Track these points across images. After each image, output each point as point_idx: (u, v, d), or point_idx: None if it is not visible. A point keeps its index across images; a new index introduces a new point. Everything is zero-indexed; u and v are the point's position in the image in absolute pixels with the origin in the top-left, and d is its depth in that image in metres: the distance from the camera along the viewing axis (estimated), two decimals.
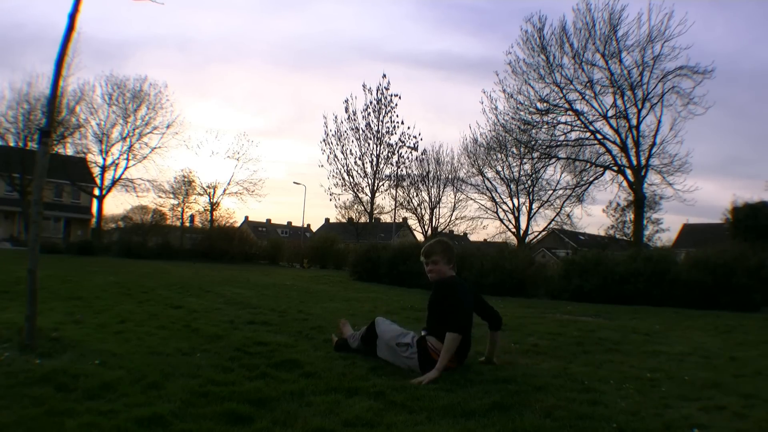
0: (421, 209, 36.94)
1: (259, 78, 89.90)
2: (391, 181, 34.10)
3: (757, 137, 67.50)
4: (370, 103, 33.35)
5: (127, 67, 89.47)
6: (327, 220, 58.95)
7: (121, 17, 77.00)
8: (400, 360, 3.57)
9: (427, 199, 36.68)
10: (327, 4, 78.82)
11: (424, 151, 35.47)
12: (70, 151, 34.02)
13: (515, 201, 31.93)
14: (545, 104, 25.41)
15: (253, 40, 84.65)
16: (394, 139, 33.46)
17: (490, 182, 31.82)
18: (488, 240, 36.73)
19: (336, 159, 33.59)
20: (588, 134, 25.54)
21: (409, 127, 36.32)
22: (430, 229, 36.89)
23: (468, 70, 78.16)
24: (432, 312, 3.65)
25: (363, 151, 33.49)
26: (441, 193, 36.47)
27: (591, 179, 26.84)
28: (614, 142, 25.00)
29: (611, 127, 24.89)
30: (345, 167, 33.52)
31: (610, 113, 24.69)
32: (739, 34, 58.73)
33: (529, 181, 30.66)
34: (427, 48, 77.91)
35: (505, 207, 32.22)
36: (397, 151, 33.54)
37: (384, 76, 37.58)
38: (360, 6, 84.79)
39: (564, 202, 30.26)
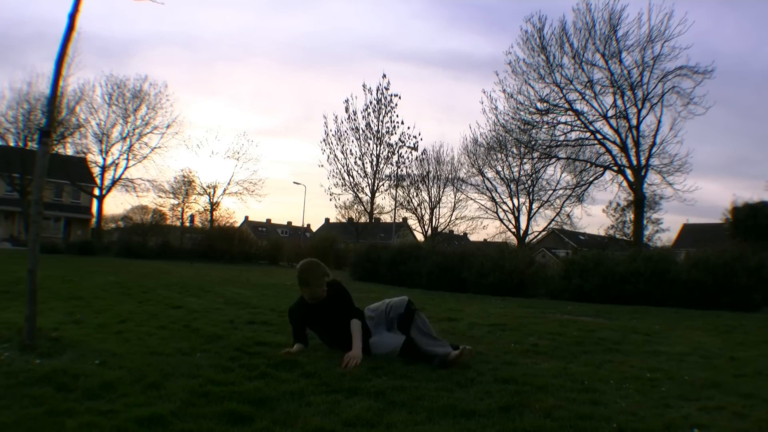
0: (421, 209, 37.03)
1: (265, 76, 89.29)
2: (391, 181, 34.20)
3: (763, 137, 67.18)
4: (370, 103, 33.44)
5: (131, 66, 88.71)
6: (327, 220, 58.94)
7: (126, 15, 76.93)
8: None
9: (427, 199, 36.78)
10: (335, 2, 78.52)
11: (424, 151, 35.58)
12: (70, 151, 34.11)
13: (515, 201, 32.01)
14: (545, 104, 25.44)
15: (260, 38, 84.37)
16: (394, 139, 33.57)
17: (490, 182, 31.91)
18: (488, 240, 36.75)
19: (336, 159, 33.68)
20: (588, 134, 25.58)
21: (409, 127, 36.48)
22: (430, 228, 36.92)
23: (477, 69, 78.15)
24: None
25: (363, 151, 33.59)
26: (441, 193, 36.60)
27: (591, 179, 26.89)
28: (614, 142, 25.04)
29: (611, 127, 24.93)
30: (345, 167, 33.62)
31: (610, 113, 24.73)
32: (749, 35, 58.56)
33: (529, 181, 30.71)
34: (436, 47, 77.67)
35: (505, 207, 32.31)
36: (397, 151, 33.63)
37: (384, 76, 37.62)
38: (368, 4, 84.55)
39: (564, 202, 30.33)
